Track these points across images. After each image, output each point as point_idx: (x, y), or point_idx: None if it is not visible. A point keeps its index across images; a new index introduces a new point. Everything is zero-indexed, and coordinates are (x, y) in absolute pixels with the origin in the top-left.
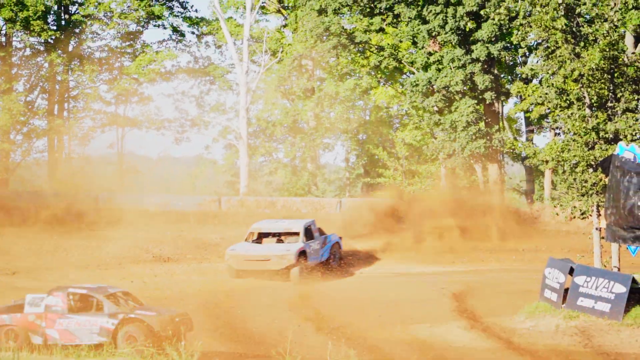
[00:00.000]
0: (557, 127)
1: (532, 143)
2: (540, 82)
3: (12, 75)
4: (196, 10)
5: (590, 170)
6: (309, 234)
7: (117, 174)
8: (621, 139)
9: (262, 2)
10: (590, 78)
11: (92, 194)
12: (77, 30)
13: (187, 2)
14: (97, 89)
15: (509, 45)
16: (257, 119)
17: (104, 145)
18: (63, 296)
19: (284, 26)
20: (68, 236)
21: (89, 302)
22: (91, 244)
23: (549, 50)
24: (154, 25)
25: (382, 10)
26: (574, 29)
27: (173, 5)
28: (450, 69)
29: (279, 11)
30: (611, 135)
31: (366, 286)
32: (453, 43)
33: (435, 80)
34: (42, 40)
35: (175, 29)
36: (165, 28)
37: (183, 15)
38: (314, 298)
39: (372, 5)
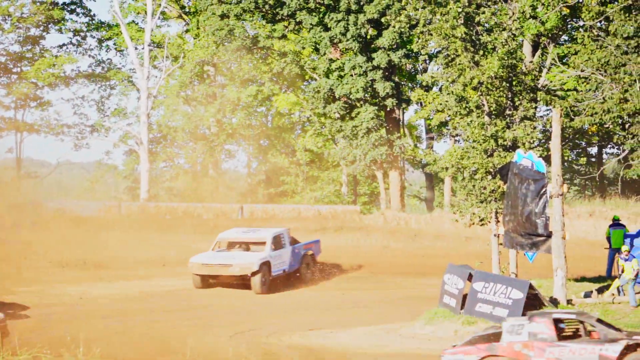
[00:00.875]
0: (456, 135)
1: (433, 150)
2: (440, 89)
3: None
4: (93, 16)
5: (489, 177)
6: (277, 243)
7: (15, 180)
8: (519, 147)
9: (164, 8)
10: (489, 86)
11: None
12: None
13: (87, 7)
14: None
15: (409, 52)
16: (158, 124)
17: (2, 150)
18: (548, 322)
19: (186, 31)
20: None
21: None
22: None
23: (449, 58)
24: (55, 30)
25: (284, 17)
26: (473, 38)
27: (74, 8)
28: (352, 76)
29: (180, 17)
30: (509, 143)
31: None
32: (354, 50)
33: (337, 87)
34: None
35: (76, 32)
36: (63, 33)
37: (84, 21)
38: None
39: (274, 11)
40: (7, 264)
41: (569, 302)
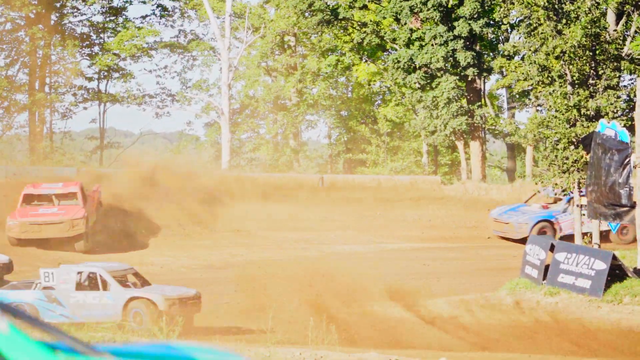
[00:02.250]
0: (539, 104)
1: (514, 120)
2: (522, 58)
3: None
4: None
5: (572, 147)
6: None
7: (99, 149)
8: (603, 117)
9: None
10: (572, 55)
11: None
12: (58, 5)
13: None
14: (79, 64)
15: (491, 22)
16: (239, 95)
17: (86, 120)
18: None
19: (267, 2)
20: None
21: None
22: None
23: (531, 27)
24: (138, 1)
25: None
26: (555, 6)
27: None
28: (432, 45)
29: None
30: (593, 113)
31: None
32: (435, 20)
33: (417, 57)
34: (23, 15)
35: (159, 4)
36: (146, 3)
37: None
38: None
39: None
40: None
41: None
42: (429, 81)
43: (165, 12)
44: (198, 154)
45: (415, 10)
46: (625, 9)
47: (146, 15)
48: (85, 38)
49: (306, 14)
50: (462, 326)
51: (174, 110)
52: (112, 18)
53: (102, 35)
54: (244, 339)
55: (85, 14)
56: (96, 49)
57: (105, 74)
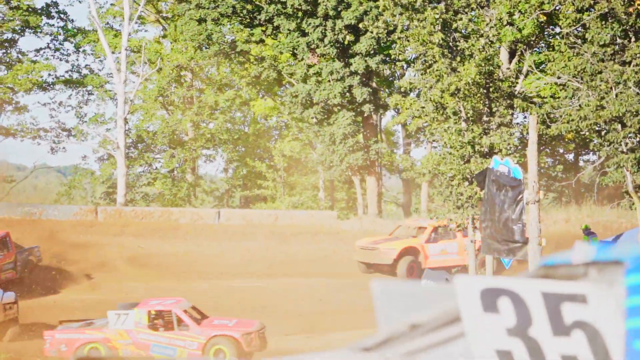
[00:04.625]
0: (434, 140)
1: (410, 156)
2: (418, 95)
3: None
4: (71, 21)
5: (466, 183)
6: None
7: None
8: (496, 153)
9: (141, 12)
10: (466, 92)
11: None
12: None
13: (64, 11)
14: None
15: (387, 58)
16: (135, 129)
17: None
18: None
19: (164, 36)
20: None
21: None
22: None
23: (427, 64)
24: (32, 33)
25: (262, 22)
26: (450, 44)
27: (50, 12)
28: (329, 81)
29: (157, 21)
30: (486, 149)
31: None
32: (332, 55)
33: (315, 92)
34: None
35: (54, 36)
36: (40, 37)
37: (61, 25)
38: None
39: (252, 16)
40: None
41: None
42: (326, 116)
43: (60, 46)
44: (93, 188)
45: (312, 46)
46: (517, 47)
47: (40, 49)
48: None
49: (203, 47)
50: None
51: (70, 144)
52: (5, 52)
53: None
54: None
55: None
56: None
57: None
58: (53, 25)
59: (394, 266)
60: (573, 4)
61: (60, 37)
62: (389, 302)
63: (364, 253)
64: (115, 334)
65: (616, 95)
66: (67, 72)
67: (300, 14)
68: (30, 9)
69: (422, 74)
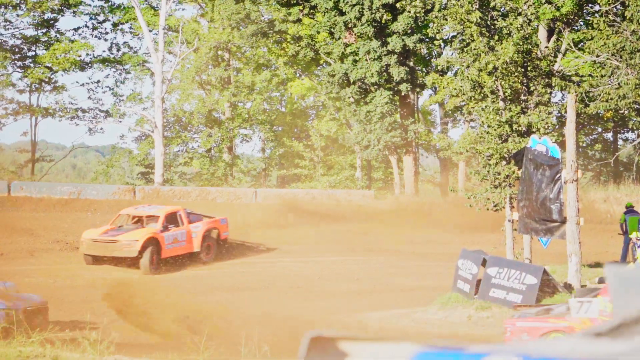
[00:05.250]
0: (471, 120)
1: (447, 135)
2: (455, 74)
3: None
4: None
5: (504, 162)
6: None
7: (30, 162)
8: (534, 132)
9: None
10: (504, 71)
11: (3, 182)
12: None
13: None
14: (10, 76)
15: (424, 37)
16: (173, 108)
17: (17, 133)
18: None
19: (201, 15)
20: None
21: None
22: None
23: (464, 43)
24: (71, 13)
25: (299, 1)
26: (488, 22)
27: None
28: (366, 60)
29: (195, 0)
30: (524, 128)
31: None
32: (369, 35)
33: (352, 71)
34: None
35: (92, 15)
36: (79, 16)
37: (99, 4)
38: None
39: None
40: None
41: (583, 287)
42: (362, 96)
43: (99, 24)
44: (131, 167)
45: (349, 25)
46: (556, 26)
47: (79, 27)
48: (17, 51)
49: (241, 27)
50: None
51: (107, 124)
52: (45, 31)
53: (34, 47)
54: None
55: (17, 27)
56: (28, 61)
57: (37, 86)
58: (90, 4)
59: (137, 259)
60: None
61: (100, 17)
62: (623, 287)
63: (99, 246)
64: (579, 322)
65: None
66: (104, 51)
67: None
68: None
69: (459, 53)
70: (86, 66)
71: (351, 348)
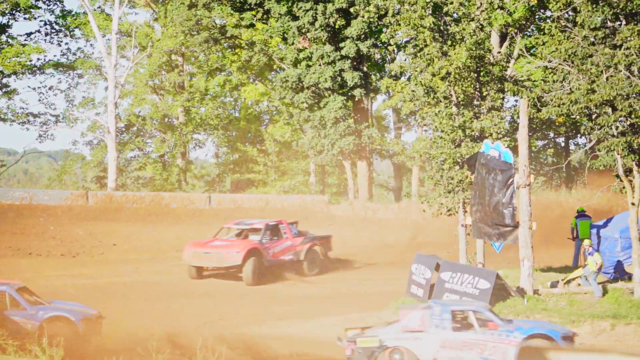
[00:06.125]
0: (424, 125)
1: (401, 140)
2: (408, 79)
3: None
4: (61, 2)
5: (457, 167)
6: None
7: None
8: (487, 137)
9: None
10: (457, 76)
11: None
12: None
13: None
14: None
15: (378, 42)
16: (126, 113)
17: None
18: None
19: (154, 20)
20: None
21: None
22: None
23: (418, 48)
24: (23, 18)
25: (252, 6)
26: (441, 28)
27: None
28: (320, 65)
29: (148, 5)
30: (477, 133)
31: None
32: (323, 40)
33: (305, 76)
34: None
35: (46, 21)
36: (31, 20)
37: (52, 8)
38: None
39: (242, 0)
40: None
41: (535, 292)
42: (316, 101)
43: (52, 30)
44: (84, 173)
45: (303, 30)
46: (508, 31)
47: (31, 33)
48: None
49: (193, 32)
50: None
51: (59, 130)
52: None
53: None
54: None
55: None
56: None
57: None
58: (41, 8)
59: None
60: None
61: (51, 20)
62: None
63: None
64: None
65: (607, 79)
66: (55, 56)
67: None
68: None
69: (412, 58)
70: (38, 70)
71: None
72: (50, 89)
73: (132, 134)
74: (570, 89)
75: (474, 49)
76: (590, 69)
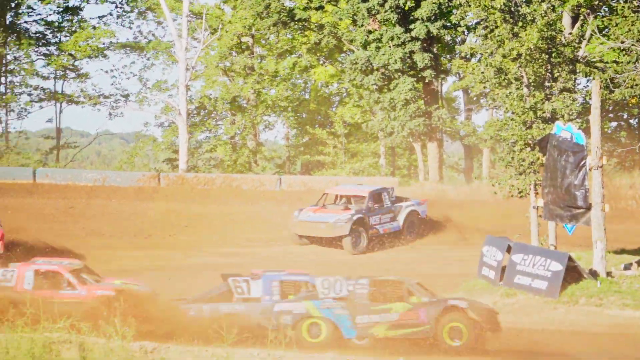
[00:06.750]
0: (495, 106)
1: (471, 122)
2: (479, 61)
3: None
4: None
5: (528, 149)
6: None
7: (55, 149)
8: (558, 119)
9: None
10: (528, 58)
11: (28, 169)
12: (13, 4)
13: None
14: (34, 64)
15: (448, 24)
16: (197, 95)
17: (42, 120)
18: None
19: (224, 2)
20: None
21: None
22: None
23: (488, 29)
24: (95, 2)
25: None
26: (512, 9)
27: None
28: (390, 47)
29: None
30: (548, 115)
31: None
32: (392, 21)
33: (375, 58)
34: None
35: (116, 4)
36: (102, 3)
37: None
38: None
39: None
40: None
41: (608, 274)
42: (386, 83)
43: (124, 12)
44: (155, 154)
45: (373, 12)
46: (580, 12)
47: (103, 15)
48: (40, 37)
49: (263, 15)
50: None
51: (130, 110)
52: (68, 17)
53: (57, 34)
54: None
55: (40, 14)
56: (52, 48)
57: (61, 73)
58: None
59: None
60: None
61: (122, 2)
62: None
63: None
64: None
65: None
66: (128, 39)
67: None
68: None
69: (483, 40)
70: (109, 53)
71: None
72: (122, 71)
73: (203, 115)
74: None
75: (545, 30)
76: None
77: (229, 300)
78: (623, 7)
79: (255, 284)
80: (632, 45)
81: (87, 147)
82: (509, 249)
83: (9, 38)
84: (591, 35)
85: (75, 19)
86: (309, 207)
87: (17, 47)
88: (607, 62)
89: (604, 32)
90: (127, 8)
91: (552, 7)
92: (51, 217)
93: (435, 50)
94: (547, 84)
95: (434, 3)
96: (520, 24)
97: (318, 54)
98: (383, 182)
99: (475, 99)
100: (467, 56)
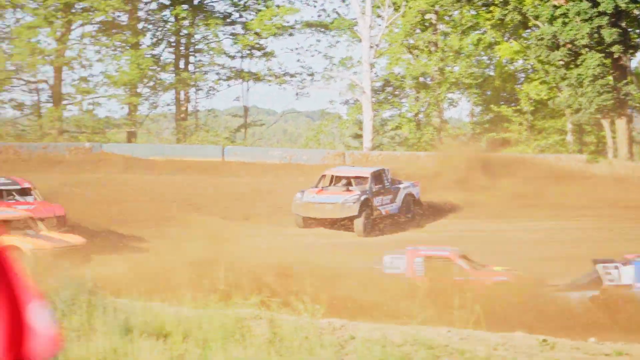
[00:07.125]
0: None
1: None
2: None
3: (138, 29)
4: None
5: None
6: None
7: (242, 127)
8: None
9: None
10: None
11: (217, 147)
12: None
13: None
14: (221, 43)
15: None
16: (382, 73)
17: (230, 99)
18: None
19: None
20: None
21: None
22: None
23: None
24: None
25: None
26: None
27: None
28: (576, 22)
29: None
30: None
31: None
32: None
33: (561, 34)
34: None
35: None
36: None
37: None
38: None
39: None
40: None
41: None
42: (573, 58)
43: None
44: (340, 132)
45: None
46: None
47: None
48: (227, 17)
49: None
50: (613, 310)
51: (316, 89)
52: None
53: (243, 13)
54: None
55: None
56: (238, 27)
57: (248, 52)
58: None
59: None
60: None
61: None
62: None
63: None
64: None
65: None
66: (312, 17)
67: None
68: None
69: None
70: (294, 31)
71: None
72: (309, 47)
73: (388, 93)
74: None
75: None
76: None
77: (598, 288)
78: None
79: (626, 269)
80: None
81: (274, 125)
82: None
83: (197, 17)
84: None
85: None
86: (310, 189)
87: (205, 26)
88: None
89: None
90: None
91: None
92: (241, 195)
93: (623, 24)
94: None
95: None
96: None
97: (502, 30)
98: (568, 160)
99: None
100: None
